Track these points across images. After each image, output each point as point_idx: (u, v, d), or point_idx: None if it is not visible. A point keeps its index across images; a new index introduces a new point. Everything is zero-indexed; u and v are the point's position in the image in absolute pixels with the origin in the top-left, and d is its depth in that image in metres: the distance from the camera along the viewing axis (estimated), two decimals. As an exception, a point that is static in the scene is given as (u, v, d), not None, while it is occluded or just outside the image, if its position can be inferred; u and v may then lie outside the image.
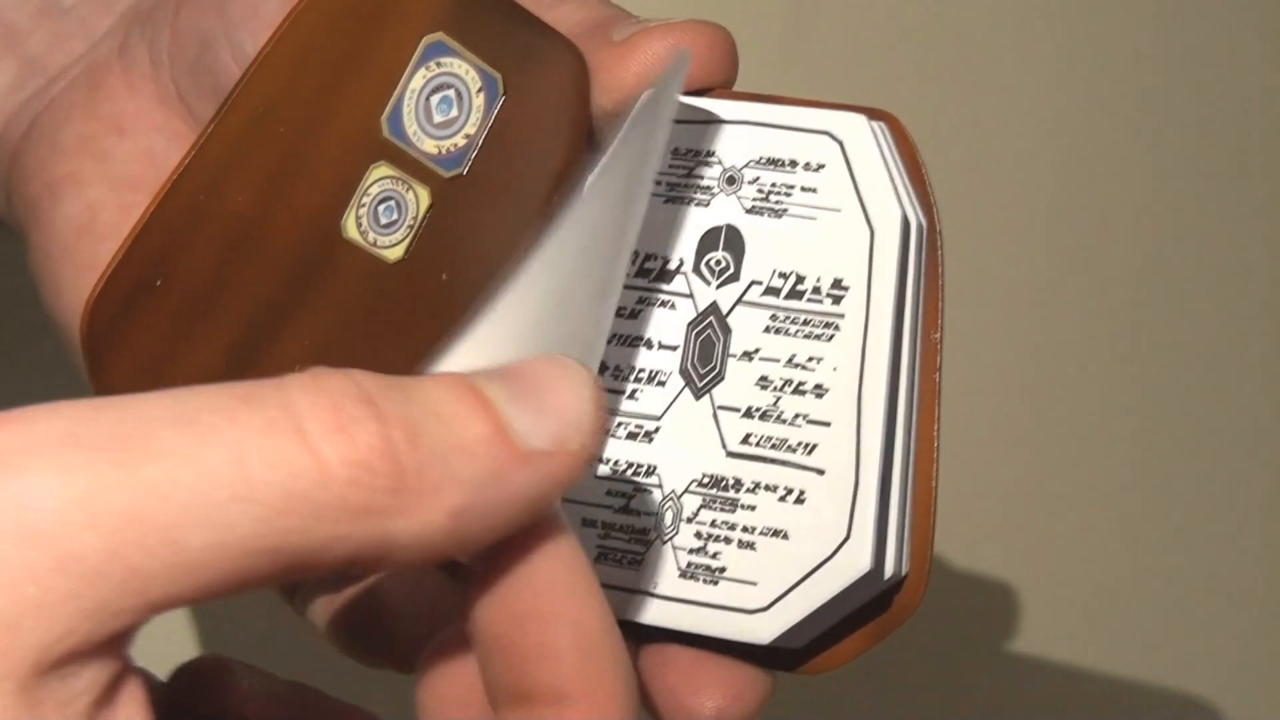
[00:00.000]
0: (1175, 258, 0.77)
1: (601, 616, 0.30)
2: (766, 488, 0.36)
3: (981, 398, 0.73)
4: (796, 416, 0.37)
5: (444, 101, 0.38)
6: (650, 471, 0.38)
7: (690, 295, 0.38)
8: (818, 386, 0.37)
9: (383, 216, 0.37)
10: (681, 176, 0.39)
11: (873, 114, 0.38)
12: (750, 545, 0.36)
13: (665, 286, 0.38)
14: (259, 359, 0.36)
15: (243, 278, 0.35)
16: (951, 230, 0.39)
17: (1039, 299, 0.76)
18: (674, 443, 0.37)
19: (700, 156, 0.39)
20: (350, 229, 0.37)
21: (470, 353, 0.32)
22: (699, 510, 0.37)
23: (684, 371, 0.38)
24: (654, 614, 0.37)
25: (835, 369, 0.37)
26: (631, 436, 0.38)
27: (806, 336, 0.37)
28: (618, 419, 0.38)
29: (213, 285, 0.35)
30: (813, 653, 0.38)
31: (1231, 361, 0.78)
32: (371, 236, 0.37)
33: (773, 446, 0.37)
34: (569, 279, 0.33)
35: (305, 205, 0.36)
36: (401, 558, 0.28)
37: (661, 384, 0.38)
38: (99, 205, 0.41)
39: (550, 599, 0.30)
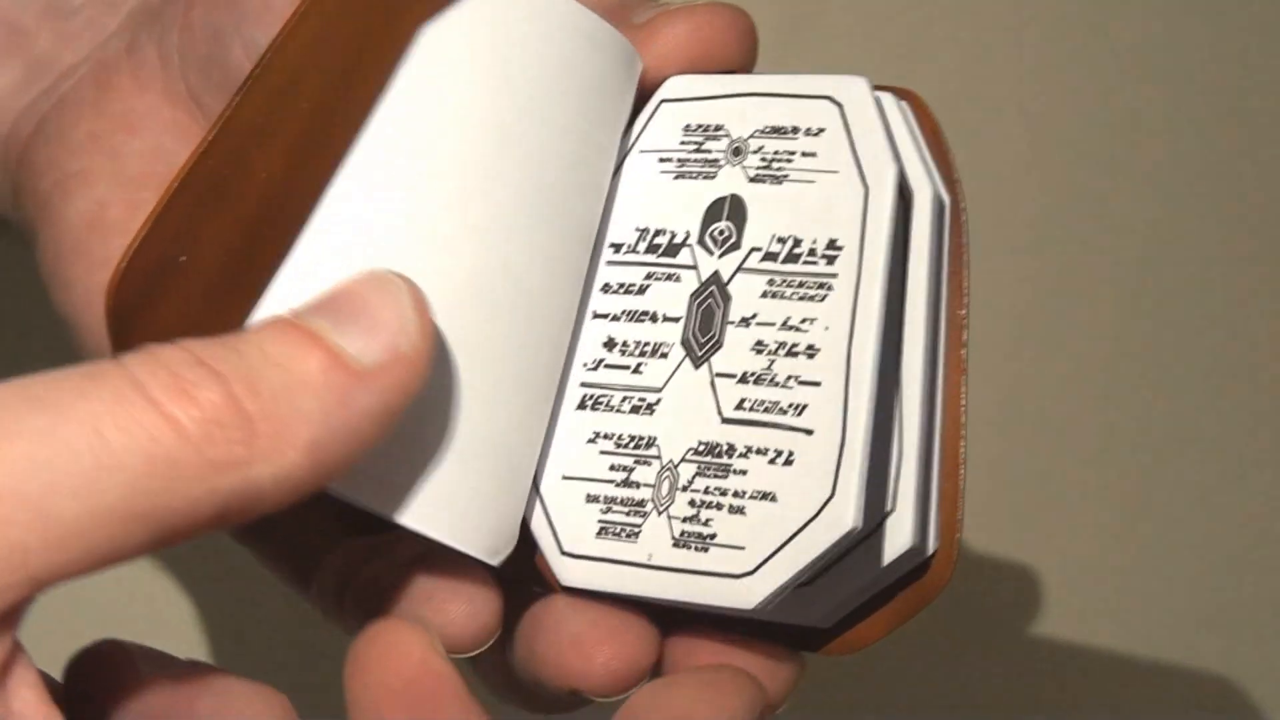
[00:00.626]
0: (1211, 235, 0.77)
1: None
2: (757, 451, 0.36)
3: (1009, 378, 0.73)
4: (789, 378, 0.36)
5: None
6: (650, 443, 0.37)
7: (695, 267, 0.38)
8: (810, 347, 0.36)
9: None
10: (691, 152, 0.39)
11: (897, 93, 0.38)
12: (740, 510, 0.36)
13: (671, 260, 0.38)
14: None
15: (267, 252, 0.35)
16: (976, 211, 0.39)
17: (1068, 278, 0.75)
18: (673, 413, 0.37)
19: (709, 131, 0.39)
20: None
21: (292, 284, 0.34)
22: (694, 478, 0.36)
23: (685, 342, 0.38)
24: (648, 585, 0.37)
25: (827, 328, 0.36)
26: (635, 410, 0.38)
27: (801, 299, 0.36)
28: (623, 394, 0.38)
29: (238, 259, 0.35)
30: (838, 633, 0.38)
31: (1273, 344, 0.78)
32: None
33: (765, 410, 0.36)
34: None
35: (329, 178, 0.35)
36: (270, 500, 0.30)
37: (664, 356, 0.38)
38: (109, 201, 0.41)
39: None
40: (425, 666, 0.33)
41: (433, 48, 0.36)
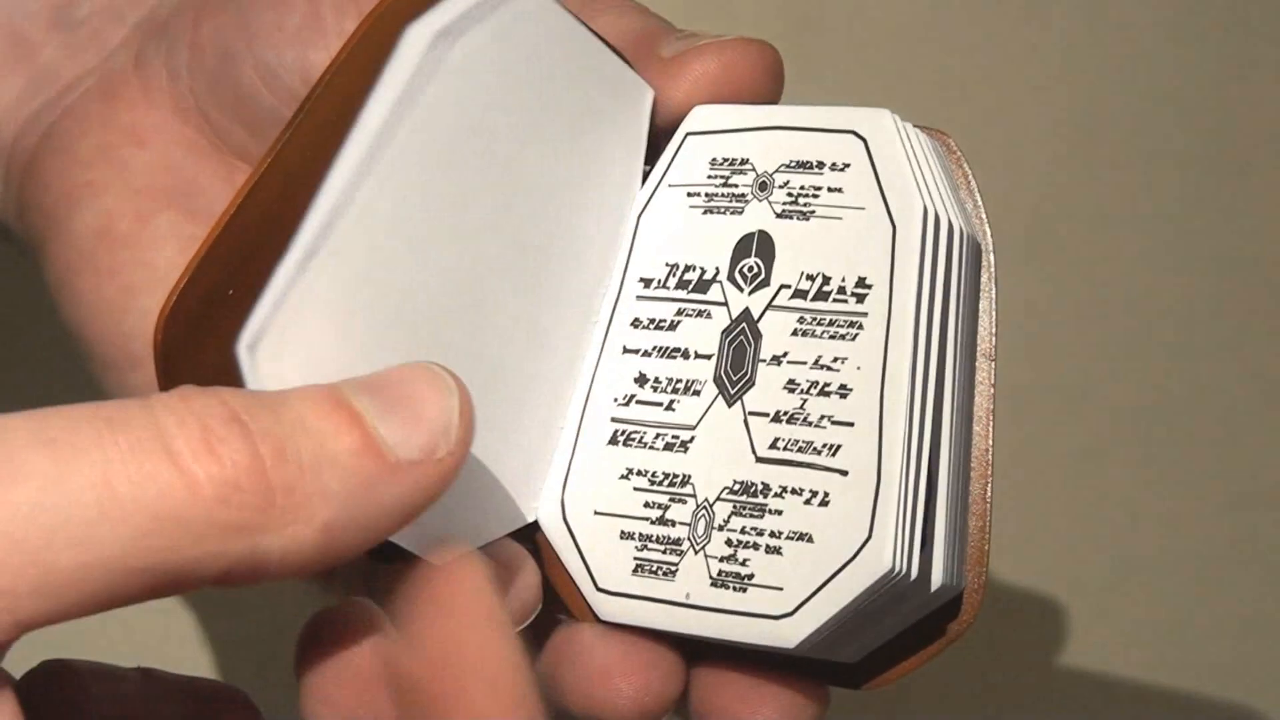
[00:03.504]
0: (1244, 264, 0.77)
1: (511, 658, 0.31)
2: (793, 491, 0.36)
3: (1034, 412, 0.73)
4: (822, 418, 0.37)
5: None
6: (685, 481, 0.37)
7: (725, 303, 0.38)
8: (842, 387, 0.36)
9: None
10: (718, 186, 0.39)
11: (927, 132, 0.39)
12: (777, 550, 0.36)
13: (702, 297, 0.38)
14: None
15: None
16: (998, 243, 0.39)
17: (1090, 306, 0.76)
18: (707, 451, 0.37)
19: (735, 164, 0.39)
20: None
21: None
22: (730, 517, 0.37)
23: (717, 379, 0.38)
24: (687, 623, 0.37)
25: (859, 368, 0.36)
26: (668, 447, 0.38)
27: (832, 337, 0.37)
28: (655, 430, 0.38)
29: None
30: (865, 667, 0.38)
31: None
32: None
33: (799, 450, 0.37)
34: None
35: None
36: (275, 571, 0.29)
37: (697, 393, 0.38)
38: (117, 213, 0.41)
39: (464, 647, 0.31)
40: (377, 653, 0.32)
41: (453, 75, 0.36)
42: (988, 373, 0.38)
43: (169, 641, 0.59)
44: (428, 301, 0.36)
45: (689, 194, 0.39)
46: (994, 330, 0.38)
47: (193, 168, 0.42)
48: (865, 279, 0.37)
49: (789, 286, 0.38)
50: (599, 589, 0.38)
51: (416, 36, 0.35)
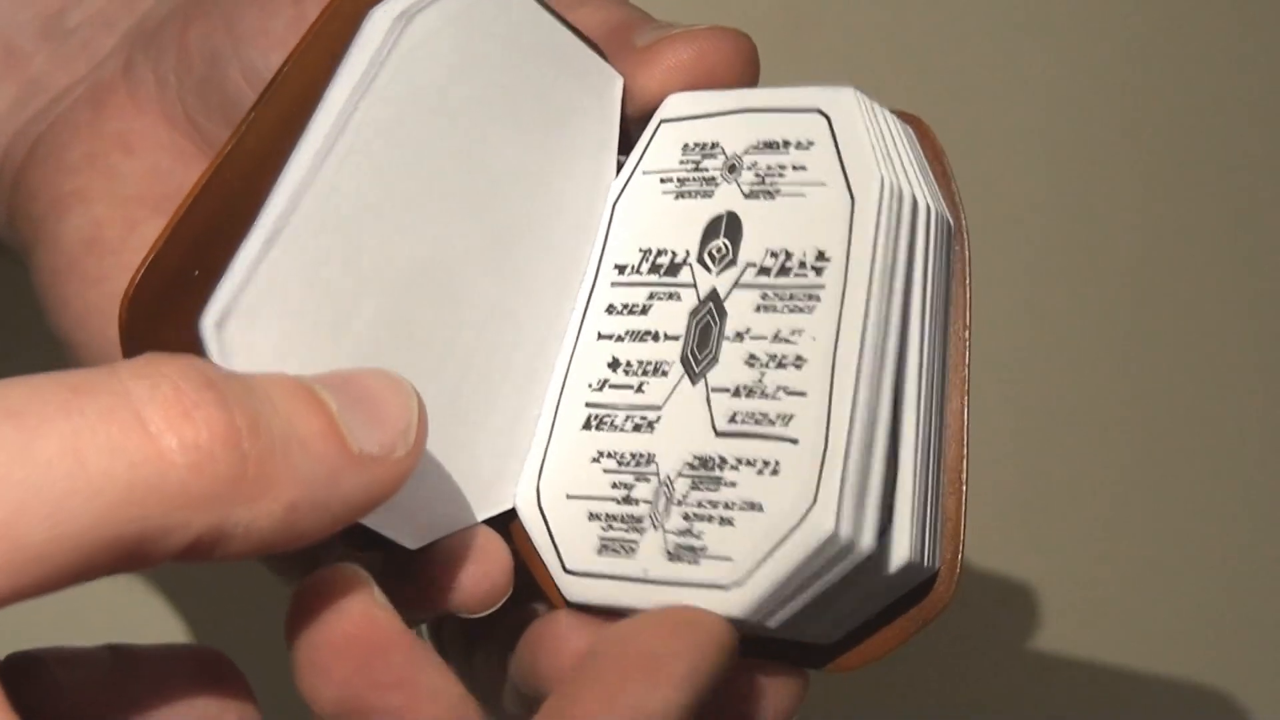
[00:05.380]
0: (1208, 250, 0.77)
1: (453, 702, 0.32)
2: (747, 463, 0.36)
3: (1009, 393, 0.73)
4: (778, 390, 0.36)
5: None
6: (649, 460, 0.37)
7: (694, 285, 0.38)
8: (798, 358, 0.36)
9: None
10: (690, 171, 0.39)
11: (901, 116, 0.39)
12: (730, 521, 0.36)
13: (672, 280, 0.38)
14: None
15: None
16: (975, 227, 0.39)
17: (1065, 292, 0.76)
18: (671, 429, 0.37)
19: (705, 149, 0.39)
20: None
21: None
22: (688, 492, 0.37)
23: (684, 359, 0.38)
24: (645, 599, 0.37)
25: (814, 339, 0.36)
26: (637, 428, 0.38)
27: (791, 310, 0.37)
28: (625, 413, 0.38)
29: None
30: (842, 649, 0.38)
31: (1265, 355, 0.78)
32: None
33: (755, 422, 0.36)
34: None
35: None
36: (237, 547, 0.29)
37: (664, 374, 0.38)
38: (104, 221, 0.41)
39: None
40: (367, 619, 0.32)
41: (406, 54, 0.36)
42: (962, 353, 0.38)
43: (139, 610, 0.59)
44: (396, 282, 0.36)
45: (662, 180, 0.39)
46: (969, 312, 0.38)
47: (181, 174, 0.42)
48: (824, 252, 0.37)
49: (754, 265, 0.38)
50: (567, 570, 0.37)
51: (380, 18, 0.36)
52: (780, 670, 0.38)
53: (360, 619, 0.32)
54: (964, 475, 0.38)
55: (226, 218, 0.34)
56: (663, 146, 0.39)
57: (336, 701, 0.32)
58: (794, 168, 0.38)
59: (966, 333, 0.38)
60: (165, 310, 0.33)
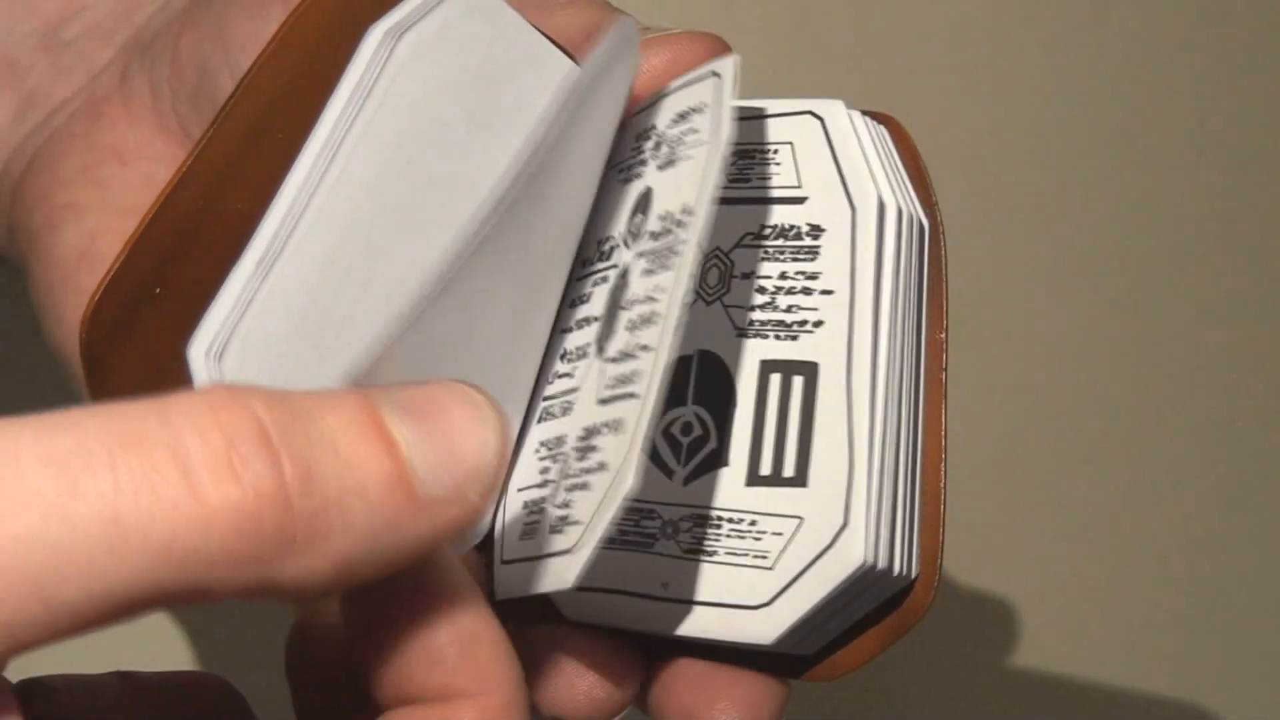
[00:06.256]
0: (1192, 256, 0.77)
1: (480, 615, 0.30)
2: (608, 426, 0.35)
3: (988, 400, 0.73)
4: (638, 348, 0.35)
5: None
6: (561, 440, 0.37)
7: (616, 264, 0.38)
8: (651, 315, 0.35)
9: None
10: (632, 156, 0.39)
11: (875, 117, 0.38)
12: (585, 486, 0.35)
13: (608, 264, 0.38)
14: None
15: None
16: (953, 231, 0.39)
17: (1046, 300, 0.75)
18: (579, 408, 0.37)
19: (643, 134, 0.39)
20: None
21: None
22: (572, 464, 0.36)
23: (598, 338, 0.37)
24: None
25: (665, 292, 0.35)
26: (564, 412, 0.37)
27: (661, 269, 0.36)
28: (561, 401, 0.38)
29: (212, 292, 0.35)
30: (820, 658, 0.38)
31: (1246, 364, 0.77)
32: None
33: (620, 384, 0.36)
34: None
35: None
36: (281, 598, 0.28)
37: (585, 355, 0.38)
38: (98, 233, 0.41)
39: (429, 603, 0.30)
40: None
41: (397, 70, 0.36)
42: (939, 356, 0.38)
43: (146, 635, 0.59)
44: (391, 300, 0.36)
45: (618, 170, 0.39)
46: (946, 316, 0.38)
47: None
48: (687, 206, 0.36)
49: (652, 232, 0.37)
50: (503, 561, 0.37)
51: (373, 35, 0.35)
52: (763, 679, 0.37)
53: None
54: (942, 481, 0.37)
55: (189, 234, 0.34)
56: (622, 139, 0.39)
57: None
58: (692, 131, 0.37)
59: (944, 335, 0.38)
60: (127, 330, 0.33)
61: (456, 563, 0.30)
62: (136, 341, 0.33)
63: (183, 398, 0.27)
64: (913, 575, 0.37)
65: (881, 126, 0.38)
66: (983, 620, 0.73)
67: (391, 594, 0.30)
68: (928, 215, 0.38)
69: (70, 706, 0.33)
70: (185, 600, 0.27)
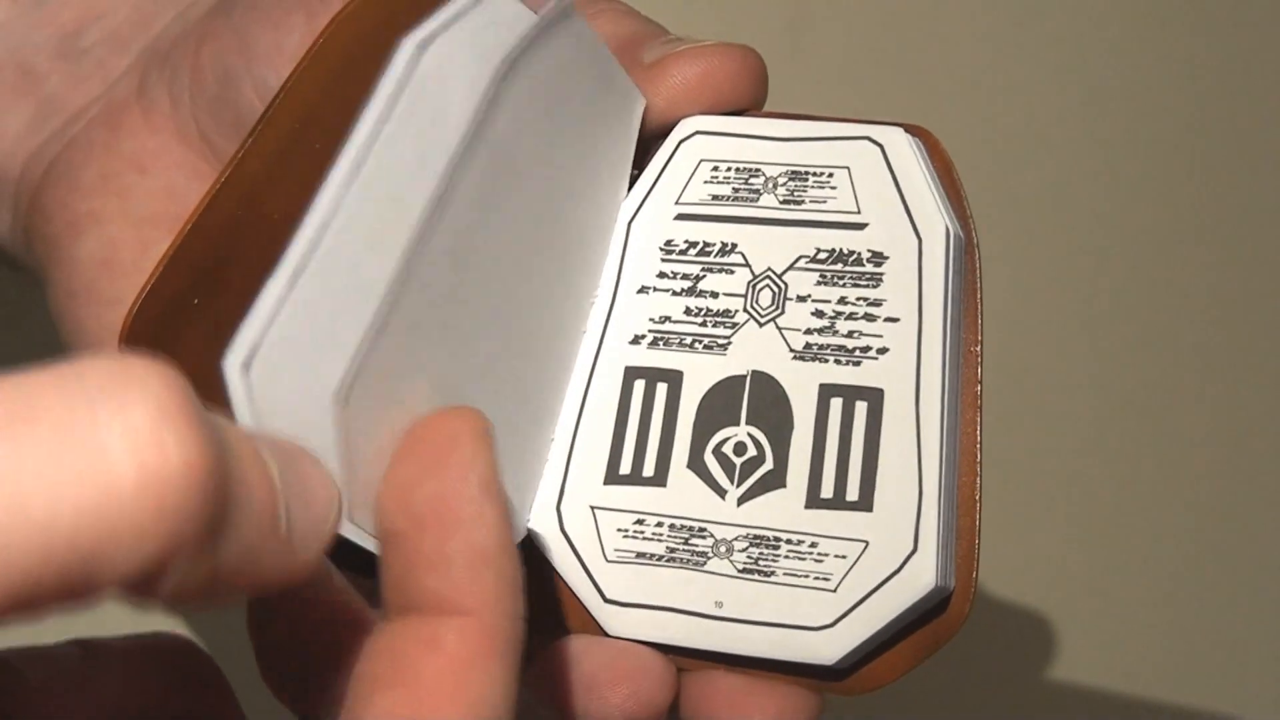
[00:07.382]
0: (1224, 268, 0.77)
1: (498, 533, 0.30)
2: None
3: (1023, 413, 0.73)
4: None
5: None
6: None
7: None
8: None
9: None
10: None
11: (910, 130, 0.38)
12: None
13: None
14: None
15: None
16: (987, 243, 0.39)
17: (1079, 303, 0.75)
18: None
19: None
20: None
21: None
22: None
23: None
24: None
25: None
26: None
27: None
28: None
29: (252, 301, 0.34)
30: (857, 670, 0.37)
31: None
32: None
33: None
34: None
35: None
36: (155, 598, 0.26)
37: None
38: (119, 242, 0.41)
39: (451, 506, 0.29)
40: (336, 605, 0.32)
41: (422, 81, 0.36)
42: (975, 368, 0.38)
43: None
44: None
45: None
46: (981, 328, 0.38)
47: (195, 192, 0.42)
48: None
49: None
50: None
51: (405, 46, 0.35)
52: (796, 691, 0.37)
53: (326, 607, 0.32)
54: (978, 493, 0.37)
55: (228, 244, 0.34)
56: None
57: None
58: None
59: (978, 347, 0.38)
60: (165, 341, 0.33)
61: (501, 491, 0.30)
62: (175, 351, 0.33)
63: (96, 362, 0.25)
64: (950, 587, 0.37)
65: (917, 139, 0.38)
66: (1017, 631, 0.72)
67: (419, 492, 0.30)
68: (963, 228, 0.38)
69: (28, 677, 0.32)
70: (75, 592, 0.25)
